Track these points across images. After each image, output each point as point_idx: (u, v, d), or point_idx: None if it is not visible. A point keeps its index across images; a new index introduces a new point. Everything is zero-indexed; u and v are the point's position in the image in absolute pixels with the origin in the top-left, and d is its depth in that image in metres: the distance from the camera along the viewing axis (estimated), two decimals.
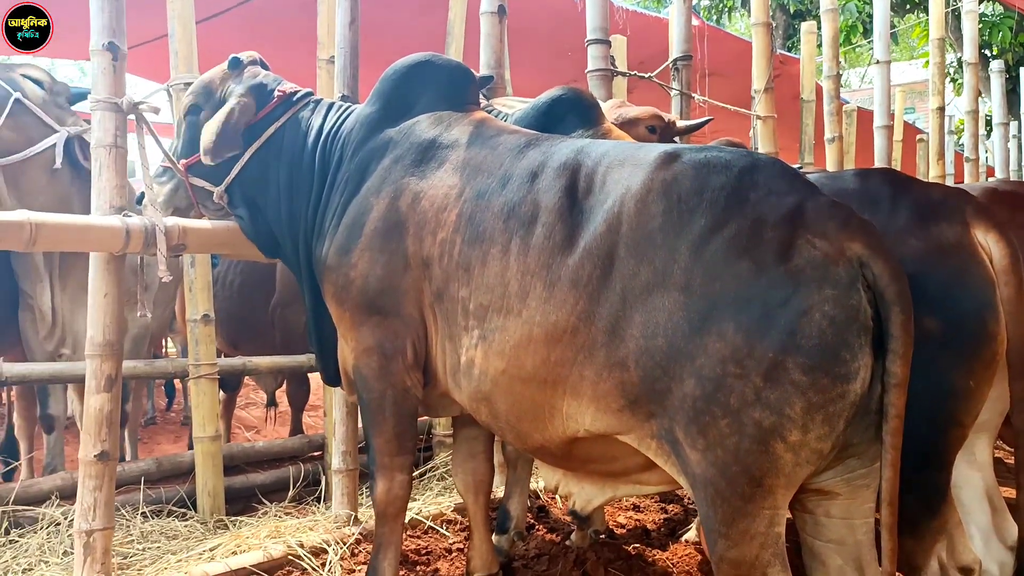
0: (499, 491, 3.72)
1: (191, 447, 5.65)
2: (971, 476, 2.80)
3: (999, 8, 11.31)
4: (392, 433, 2.72)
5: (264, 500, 4.32)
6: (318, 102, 3.09)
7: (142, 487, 4.04)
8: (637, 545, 3.65)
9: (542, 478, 2.77)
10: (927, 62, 13.24)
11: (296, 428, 5.86)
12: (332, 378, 3.09)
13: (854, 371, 1.88)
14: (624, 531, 3.85)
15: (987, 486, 2.83)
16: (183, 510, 4.04)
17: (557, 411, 2.26)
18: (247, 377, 5.81)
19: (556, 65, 6.73)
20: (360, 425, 3.58)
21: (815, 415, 1.87)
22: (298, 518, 3.83)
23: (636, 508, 4.17)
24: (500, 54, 3.88)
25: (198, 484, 4.07)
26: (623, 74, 4.42)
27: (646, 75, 4.65)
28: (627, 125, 3.64)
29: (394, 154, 2.74)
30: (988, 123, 10.04)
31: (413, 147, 2.72)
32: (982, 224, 2.48)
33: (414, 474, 3.72)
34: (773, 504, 1.96)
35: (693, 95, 4.77)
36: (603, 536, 3.68)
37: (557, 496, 4.12)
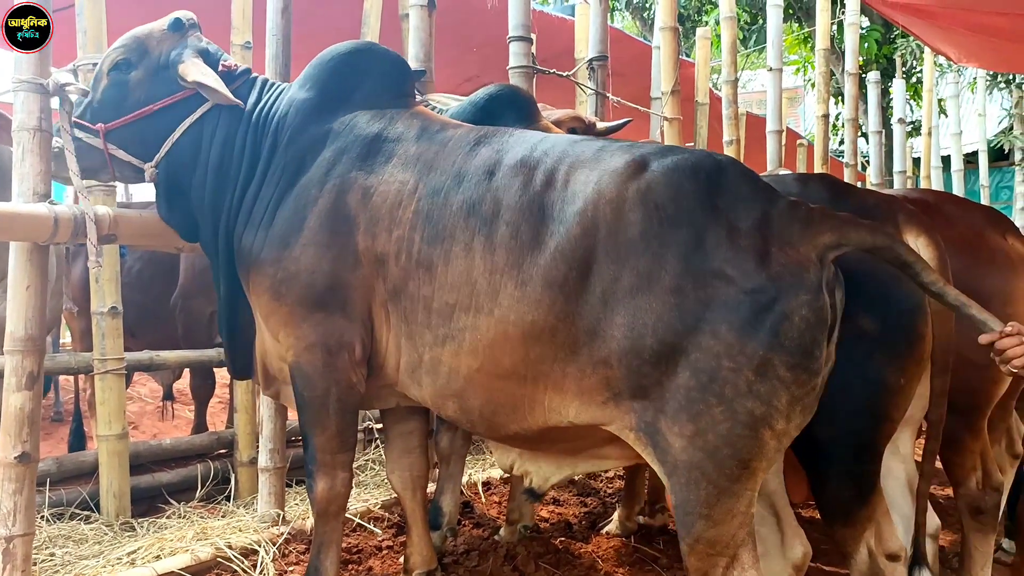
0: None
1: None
2: (896, 468, 2.98)
3: (865, 21, 11.97)
4: (335, 430, 2.68)
5: (171, 500, 4.15)
6: (255, 79, 2.96)
7: (47, 489, 3.81)
8: (562, 539, 3.71)
9: (496, 459, 2.78)
10: (798, 69, 14.00)
11: (200, 425, 5.65)
12: (241, 370, 3.01)
13: (820, 364, 2.10)
14: (548, 525, 3.90)
15: (909, 477, 3.01)
16: (86, 512, 3.84)
17: (538, 404, 2.31)
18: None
19: (462, 61, 6.72)
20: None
21: (796, 406, 2.08)
22: (221, 519, 3.70)
23: (556, 502, 4.23)
24: (429, 48, 3.84)
25: (102, 485, 3.86)
26: (543, 72, 4.45)
27: (565, 74, 4.71)
28: None
29: (336, 146, 2.67)
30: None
31: (358, 140, 2.66)
32: (913, 228, 2.63)
33: None
34: (753, 486, 2.14)
35: (608, 95, 4.85)
36: (530, 531, 3.72)
37: (480, 492, 4.14)
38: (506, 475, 4.25)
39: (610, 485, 4.57)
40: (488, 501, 4.12)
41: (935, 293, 2.19)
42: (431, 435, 3.33)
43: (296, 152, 2.72)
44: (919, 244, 2.61)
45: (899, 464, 3.00)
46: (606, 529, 3.87)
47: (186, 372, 5.88)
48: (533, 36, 5.16)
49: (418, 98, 3.26)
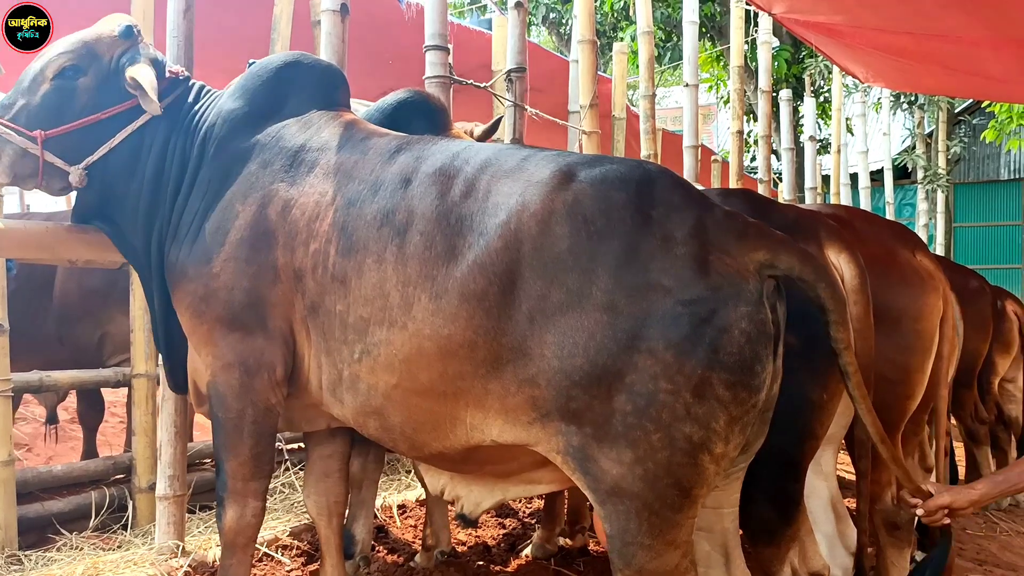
0: None
1: None
2: (818, 486, 2.95)
3: (775, 41, 12.24)
4: (249, 455, 2.55)
5: (62, 530, 3.89)
6: (193, 86, 2.86)
7: None
8: (481, 563, 3.59)
9: (425, 482, 2.67)
10: (711, 87, 14.22)
11: (90, 451, 5.34)
12: (180, 385, 2.90)
13: (763, 381, 2.01)
14: (465, 549, 3.78)
15: (832, 495, 2.99)
16: None
17: (460, 422, 2.22)
18: None
19: (376, 73, 6.58)
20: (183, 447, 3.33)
21: (735, 427, 1.99)
22: (114, 550, 3.47)
23: (476, 525, 4.10)
24: (342, 54, 3.70)
25: None
26: (460, 82, 4.34)
27: (483, 85, 4.62)
28: None
29: (262, 158, 2.59)
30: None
31: (282, 151, 2.58)
32: (835, 245, 2.63)
33: None
34: (695, 513, 2.06)
35: (526, 107, 4.77)
36: (447, 556, 3.59)
37: (395, 516, 3.99)
38: (422, 498, 4.13)
39: (529, 505, 4.47)
40: (403, 525, 3.97)
41: (836, 351, 2.16)
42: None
43: (222, 164, 2.63)
44: (841, 261, 2.62)
45: (822, 482, 2.98)
46: (525, 552, 3.77)
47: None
48: (450, 46, 5.07)
49: None
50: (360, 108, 3.27)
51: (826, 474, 3.02)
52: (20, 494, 3.83)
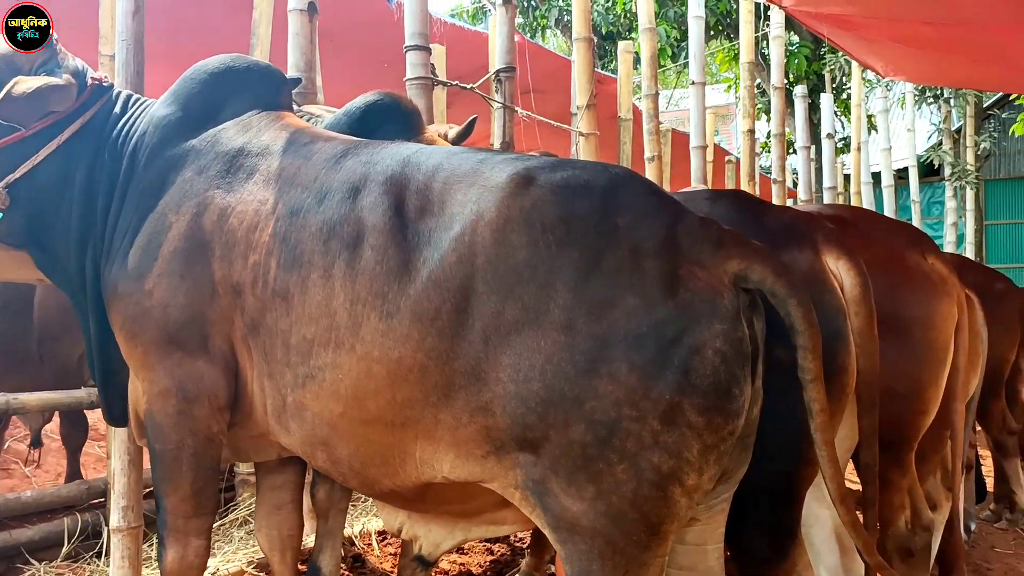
0: (309, 540, 3.33)
1: None
2: (821, 515, 2.71)
3: (795, 38, 11.97)
4: (189, 490, 2.35)
5: (31, 560, 3.72)
6: (119, 95, 2.69)
7: None
8: None
9: (382, 519, 2.48)
10: (729, 87, 13.94)
11: (74, 474, 5.18)
12: (118, 418, 2.70)
13: (741, 405, 1.82)
14: None
15: (836, 525, 2.74)
16: None
17: (409, 456, 2.02)
18: None
19: (373, 77, 6.40)
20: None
21: (710, 456, 1.80)
22: None
23: (460, 550, 3.87)
24: (311, 56, 3.52)
25: None
26: (444, 84, 4.15)
27: (468, 86, 4.41)
28: None
29: (197, 164, 2.41)
30: (791, 145, 10.52)
31: (219, 156, 2.40)
32: (833, 251, 2.40)
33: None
34: (665, 550, 1.88)
35: (516, 108, 4.56)
36: None
37: (374, 543, 3.77)
38: None
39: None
40: (383, 553, 3.75)
41: (801, 381, 1.92)
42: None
43: (155, 174, 2.45)
44: (840, 268, 2.39)
45: (825, 510, 2.72)
46: None
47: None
48: (440, 47, 4.88)
49: (294, 108, 2.99)
50: (325, 114, 3.11)
51: (830, 502, 2.76)
52: None
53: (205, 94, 2.54)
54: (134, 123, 2.58)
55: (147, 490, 3.13)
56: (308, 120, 2.90)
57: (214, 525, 3.40)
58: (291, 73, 3.60)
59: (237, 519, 4.07)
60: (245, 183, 2.33)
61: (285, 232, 2.20)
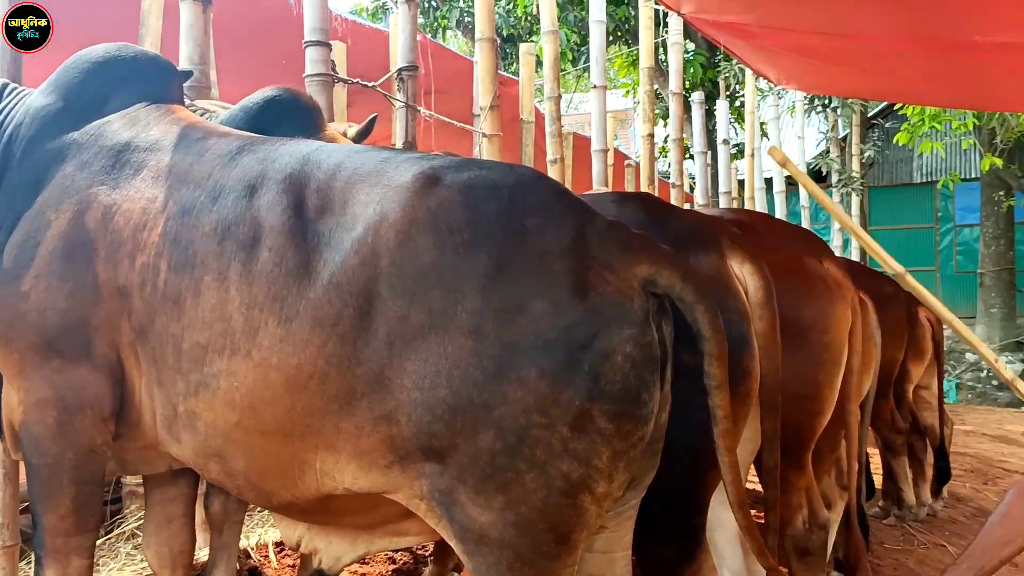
0: (202, 553, 3.19)
1: None
2: (724, 518, 2.72)
3: (691, 45, 12.22)
4: (70, 507, 2.21)
5: None
6: (5, 86, 2.55)
7: None
8: None
9: (280, 532, 2.38)
10: (627, 92, 14.13)
11: None
12: None
13: (650, 410, 1.80)
14: None
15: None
16: None
17: (309, 467, 1.95)
18: None
19: (269, 74, 6.23)
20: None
21: (620, 462, 1.78)
22: None
23: (362, 561, 3.78)
24: (204, 48, 3.38)
25: None
26: (345, 81, 4.05)
27: (370, 83, 4.32)
28: None
29: (79, 159, 2.28)
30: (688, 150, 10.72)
31: (104, 151, 2.28)
32: (738, 255, 2.41)
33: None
34: (574, 560, 1.86)
35: (419, 108, 4.49)
36: None
37: (271, 555, 3.65)
38: None
39: None
40: (281, 564, 3.63)
41: (706, 387, 1.91)
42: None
43: (32, 168, 2.31)
44: (744, 272, 2.41)
45: (728, 514, 2.74)
46: None
47: None
48: (341, 44, 4.77)
49: (187, 103, 2.86)
50: (220, 110, 2.98)
51: None
52: None
53: (88, 84, 2.41)
54: (9, 113, 2.43)
55: (24, 504, 2.96)
56: (201, 115, 2.79)
57: (99, 540, 3.25)
58: (183, 66, 3.47)
59: (124, 532, 3.87)
60: (132, 180, 2.22)
61: (176, 232, 2.10)
